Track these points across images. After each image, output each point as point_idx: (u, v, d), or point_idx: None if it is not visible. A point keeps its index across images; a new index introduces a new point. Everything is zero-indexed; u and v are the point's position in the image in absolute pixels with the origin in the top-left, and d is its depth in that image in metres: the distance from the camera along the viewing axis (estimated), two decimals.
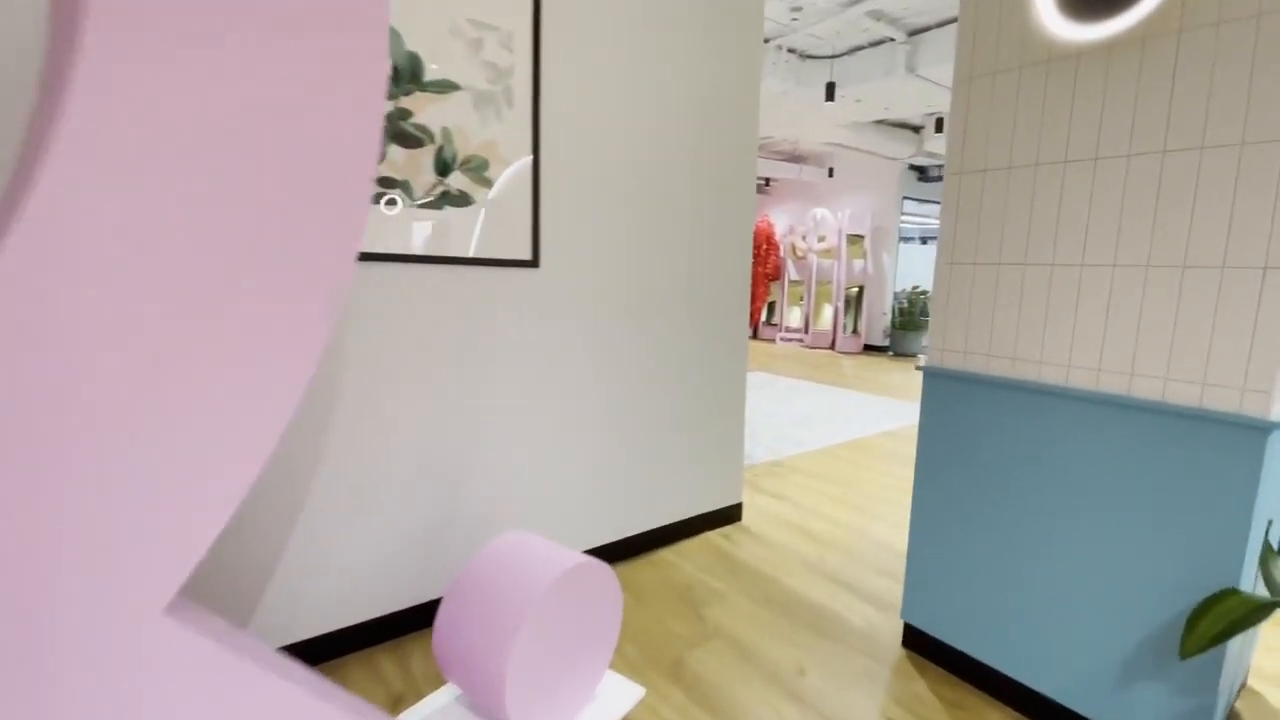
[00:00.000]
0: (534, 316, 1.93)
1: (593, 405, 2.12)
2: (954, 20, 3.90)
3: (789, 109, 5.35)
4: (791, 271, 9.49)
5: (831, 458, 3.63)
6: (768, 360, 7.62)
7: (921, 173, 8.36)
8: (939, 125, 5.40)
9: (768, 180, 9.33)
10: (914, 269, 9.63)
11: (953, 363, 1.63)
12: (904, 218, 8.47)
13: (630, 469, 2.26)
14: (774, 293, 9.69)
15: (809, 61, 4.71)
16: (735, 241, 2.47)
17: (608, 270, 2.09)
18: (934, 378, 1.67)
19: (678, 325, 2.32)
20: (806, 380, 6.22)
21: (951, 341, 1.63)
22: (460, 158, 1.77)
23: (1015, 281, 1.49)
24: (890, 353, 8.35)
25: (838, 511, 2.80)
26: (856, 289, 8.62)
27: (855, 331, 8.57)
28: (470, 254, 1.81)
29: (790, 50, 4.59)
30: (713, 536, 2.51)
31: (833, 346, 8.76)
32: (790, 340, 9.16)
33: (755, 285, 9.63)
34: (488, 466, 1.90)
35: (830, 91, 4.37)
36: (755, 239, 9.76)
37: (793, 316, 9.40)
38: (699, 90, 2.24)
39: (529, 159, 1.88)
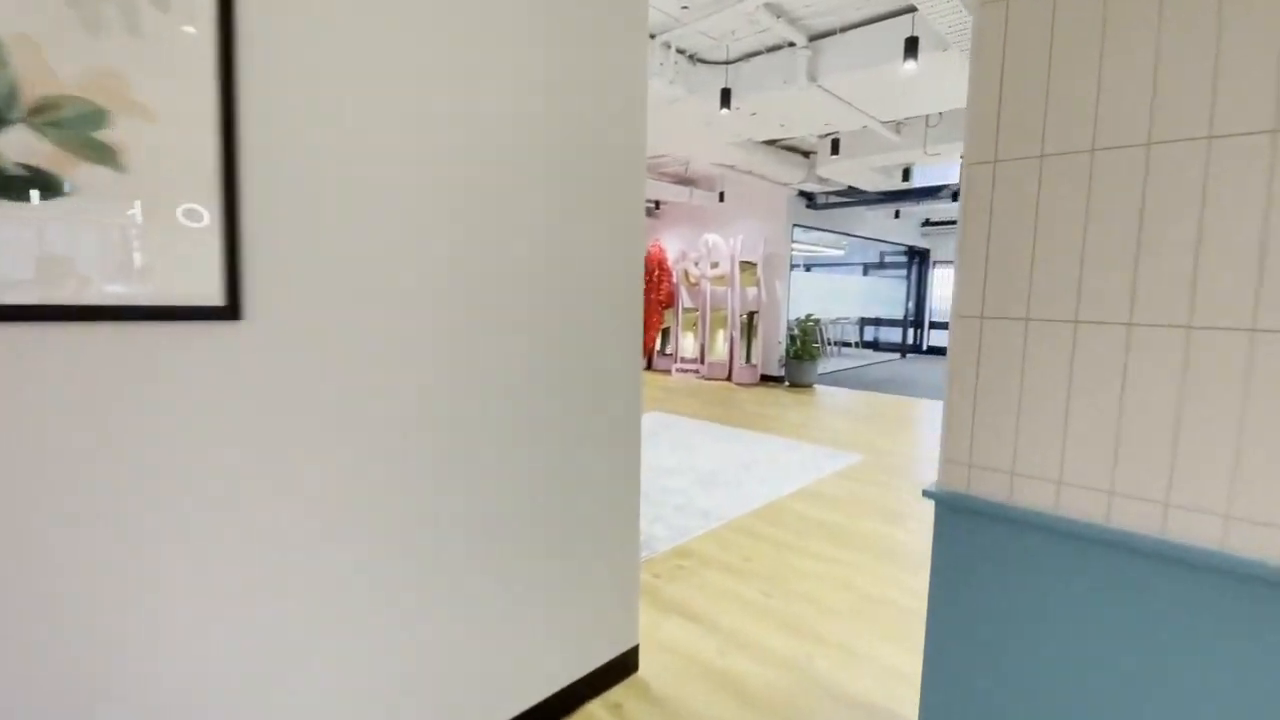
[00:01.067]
0: (235, 412, 1.01)
1: (376, 548, 1.21)
2: (859, 25, 3.50)
3: (681, 119, 4.78)
4: (685, 299, 9.01)
5: (746, 536, 2.94)
6: (664, 396, 6.97)
7: (809, 199, 8.25)
8: (835, 147, 5.12)
9: (658, 203, 8.84)
10: (804, 297, 9.57)
11: (989, 489, 0.94)
12: (793, 246, 8.29)
13: (461, 637, 1.37)
14: (668, 320, 9.16)
15: (702, 66, 4.17)
16: (619, 279, 1.70)
17: (403, 321, 1.21)
18: (956, 514, 0.97)
19: (532, 401, 1.48)
20: (707, 421, 5.61)
21: (985, 453, 0.94)
22: (28, 99, 0.83)
23: (1109, 355, 0.82)
24: (786, 383, 8.05)
25: (767, 633, 2.07)
26: (750, 314, 8.30)
27: (751, 362, 8.21)
28: (64, 299, 0.86)
29: (680, 51, 4.01)
30: (598, 712, 1.67)
31: (729, 378, 8.34)
32: (686, 371, 8.63)
33: (649, 314, 9.04)
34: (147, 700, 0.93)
35: (726, 98, 3.82)
36: (647, 265, 9.21)
37: (687, 346, 8.91)
38: (562, 74, 1.46)
39: (213, 112, 0.97)
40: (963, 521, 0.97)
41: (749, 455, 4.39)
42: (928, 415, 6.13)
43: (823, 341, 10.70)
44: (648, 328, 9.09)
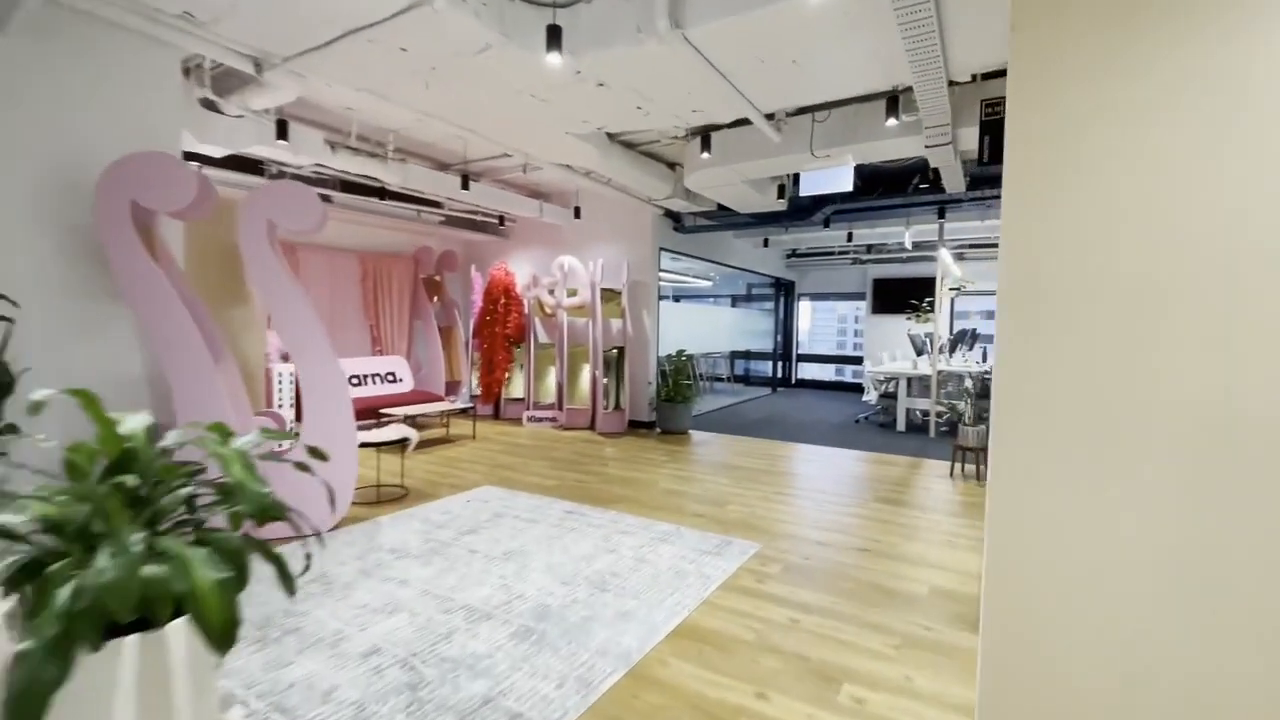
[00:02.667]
0: None
1: None
2: None
3: (504, 86, 3.48)
4: (540, 333, 7.63)
5: None
6: (508, 459, 5.46)
7: (677, 221, 7.35)
8: (705, 143, 4.13)
9: (502, 219, 7.43)
10: (674, 330, 8.60)
11: None
12: (661, 274, 7.29)
13: None
14: (519, 358, 7.69)
15: (524, 5, 2.91)
16: None
17: None
18: None
19: None
20: (557, 496, 4.21)
21: None
22: None
23: None
24: (658, 430, 6.92)
25: None
26: (615, 351, 7.11)
27: (618, 406, 6.99)
28: None
29: None
30: None
31: (593, 426, 7.04)
32: (541, 420, 7.18)
33: (494, 351, 7.51)
34: None
35: (553, 38, 2.60)
36: (491, 292, 7.72)
37: (542, 389, 7.49)
38: None
39: None
40: None
41: (608, 559, 3.05)
42: (815, 466, 5.25)
43: (695, 379, 9.84)
44: (494, 367, 7.54)
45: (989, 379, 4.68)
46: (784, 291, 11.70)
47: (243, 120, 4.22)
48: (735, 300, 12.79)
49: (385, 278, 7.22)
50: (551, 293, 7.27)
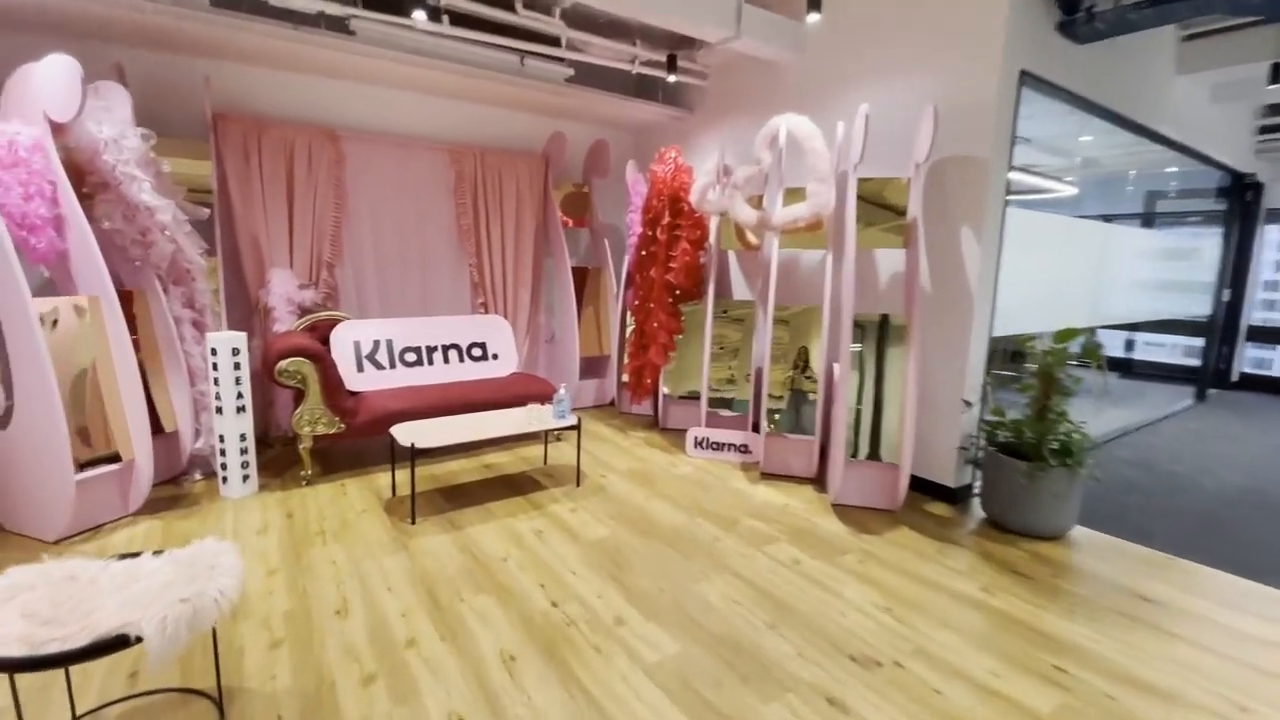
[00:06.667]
0: None
1: None
2: None
3: None
4: (736, 281, 4.15)
5: None
6: (578, 614, 2.29)
7: (1066, 9, 3.00)
8: None
9: (673, 60, 3.94)
10: (1025, 276, 4.05)
11: None
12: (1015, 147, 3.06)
13: None
14: (690, 322, 4.31)
15: None
16: None
17: None
18: None
19: None
20: None
21: None
22: None
23: None
24: (982, 516, 3.01)
25: None
26: (874, 320, 3.31)
27: (881, 454, 3.20)
28: None
29: None
30: None
31: (820, 481, 3.42)
32: (721, 449, 3.80)
33: (648, 311, 4.27)
34: None
35: None
36: (651, 204, 4.46)
37: (729, 384, 4.06)
38: None
39: None
40: None
41: None
42: None
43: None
44: (647, 340, 4.32)
45: None
46: (1239, 200, 5.97)
47: None
48: (1111, 220, 7.28)
49: (494, 186, 4.47)
50: (760, 203, 3.68)
